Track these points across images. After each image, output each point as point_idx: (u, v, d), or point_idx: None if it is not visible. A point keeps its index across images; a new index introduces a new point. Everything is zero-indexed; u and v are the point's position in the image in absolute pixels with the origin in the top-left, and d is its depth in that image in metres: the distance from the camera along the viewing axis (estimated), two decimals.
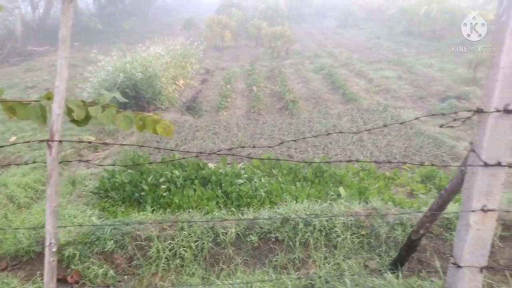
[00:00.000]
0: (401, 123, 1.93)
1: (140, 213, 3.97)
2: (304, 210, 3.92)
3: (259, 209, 4.13)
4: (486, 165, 1.97)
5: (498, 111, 1.88)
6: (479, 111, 1.94)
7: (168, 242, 3.44)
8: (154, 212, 4.05)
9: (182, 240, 3.44)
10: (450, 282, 2.29)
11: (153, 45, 11.53)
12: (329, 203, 4.08)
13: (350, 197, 4.38)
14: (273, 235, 3.66)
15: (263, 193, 4.41)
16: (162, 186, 4.54)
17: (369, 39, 19.81)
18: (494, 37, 1.88)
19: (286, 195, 4.38)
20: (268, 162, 5.36)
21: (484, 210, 2.05)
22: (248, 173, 4.99)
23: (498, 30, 1.85)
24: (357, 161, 1.98)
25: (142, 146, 2.08)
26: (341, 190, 4.62)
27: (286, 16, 23.15)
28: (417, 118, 1.92)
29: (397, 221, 3.89)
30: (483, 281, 2.78)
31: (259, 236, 3.65)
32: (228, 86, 10.59)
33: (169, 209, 4.10)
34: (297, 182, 4.82)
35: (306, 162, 2.27)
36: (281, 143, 2.27)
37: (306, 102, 9.20)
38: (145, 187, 4.49)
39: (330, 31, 23.84)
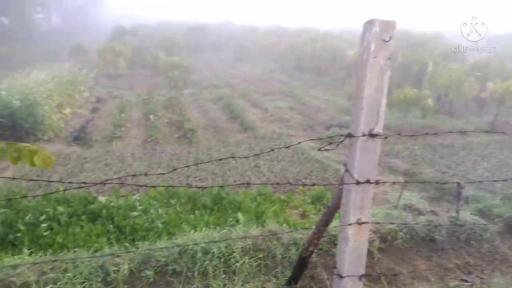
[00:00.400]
0: (286, 147, 2.08)
1: (15, 256, 3.48)
2: (203, 238, 3.88)
3: (156, 241, 3.95)
4: (358, 182, 2.22)
5: (364, 135, 2.17)
6: (349, 135, 2.21)
7: (49, 287, 3.06)
8: (33, 254, 3.59)
9: (66, 283, 3.09)
10: None
11: (35, 71, 10.54)
12: (228, 229, 4.11)
13: (248, 222, 4.48)
14: (170, 268, 3.52)
15: (160, 225, 4.25)
16: (43, 225, 4.07)
17: (263, 72, 21.09)
18: (358, 72, 2.18)
19: (184, 224, 4.29)
20: (165, 192, 5.22)
21: (359, 223, 2.29)
22: (144, 205, 4.77)
23: (361, 66, 2.16)
24: (249, 183, 2.07)
25: (15, 178, 1.87)
26: (240, 215, 4.70)
27: (184, 47, 23.40)
28: (299, 143, 2.10)
29: (291, 242, 4.08)
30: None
31: (155, 270, 3.48)
32: (123, 115, 10.14)
33: (50, 250, 3.67)
34: (196, 211, 4.77)
35: (200, 188, 2.28)
36: (174, 169, 2.26)
37: (205, 131, 9.29)
38: (22, 227, 3.97)
39: (227, 64, 24.76)
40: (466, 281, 3.90)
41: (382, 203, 5.99)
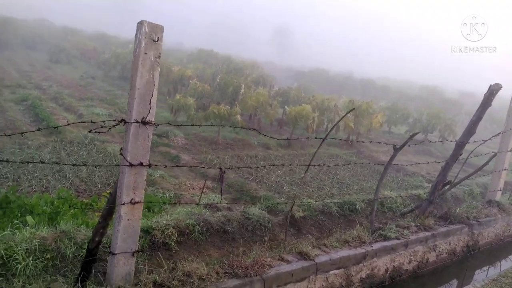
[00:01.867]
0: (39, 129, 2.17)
1: None
2: None
3: None
4: (131, 165, 2.48)
5: (137, 122, 2.45)
6: (123, 121, 2.46)
7: None
8: None
9: None
10: (109, 271, 2.63)
11: None
12: (11, 231, 3.79)
13: (38, 225, 4.21)
14: None
15: None
16: None
17: (84, 78, 19.65)
18: (132, 65, 2.47)
19: None
20: None
21: (132, 202, 2.54)
22: None
23: (134, 60, 2.46)
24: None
25: None
26: (29, 218, 4.36)
27: None
28: (69, 124, 2.21)
29: (86, 241, 4.03)
30: (142, 266, 3.27)
31: None
32: None
33: None
34: None
35: None
36: None
37: None
38: None
39: (39, 64, 22.01)
40: None
41: (189, 204, 6.46)
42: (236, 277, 2.82)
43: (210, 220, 5.22)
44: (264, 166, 5.00)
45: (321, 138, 4.10)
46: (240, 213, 5.78)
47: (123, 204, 2.51)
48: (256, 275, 2.86)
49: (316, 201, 6.83)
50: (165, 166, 3.20)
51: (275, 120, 14.51)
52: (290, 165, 5.29)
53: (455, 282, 4.86)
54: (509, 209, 6.15)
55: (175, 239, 4.67)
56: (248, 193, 7.50)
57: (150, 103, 2.45)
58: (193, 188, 7.28)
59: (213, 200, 6.72)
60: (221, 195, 2.99)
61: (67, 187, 5.98)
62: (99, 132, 2.20)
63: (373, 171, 10.31)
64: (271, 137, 4.47)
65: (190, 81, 15.83)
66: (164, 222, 4.78)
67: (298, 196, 4.39)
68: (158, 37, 2.40)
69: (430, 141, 4.59)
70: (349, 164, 5.34)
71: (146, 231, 4.54)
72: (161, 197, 5.99)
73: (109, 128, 2.34)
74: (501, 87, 4.33)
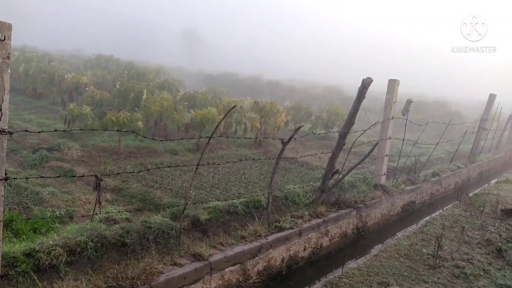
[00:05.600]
0: None
1: None
2: None
3: None
4: None
5: None
6: None
7: None
8: None
9: None
10: None
11: None
12: None
13: None
14: None
15: None
16: None
17: None
18: None
19: None
20: None
21: None
22: None
23: None
24: None
25: None
26: None
27: None
28: None
29: None
30: None
31: None
32: None
33: None
34: None
35: None
36: None
37: None
38: None
39: None
40: None
41: (83, 220, 5.99)
42: None
43: (106, 234, 4.92)
44: (148, 169, 4.84)
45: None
46: (140, 223, 5.55)
47: None
48: (144, 284, 2.75)
49: (221, 202, 6.87)
50: (27, 178, 2.90)
51: (182, 125, 14.27)
52: (177, 165, 5.21)
53: (347, 262, 5.30)
54: (392, 191, 6.87)
55: (63, 259, 4.33)
56: (152, 201, 7.25)
57: (1, 109, 2.20)
58: (89, 203, 6.79)
59: (111, 213, 6.34)
60: (100, 204, 2.80)
61: None
62: None
63: (279, 168, 10.72)
64: (152, 138, 4.35)
65: (87, 88, 14.78)
66: (51, 242, 4.39)
67: (189, 197, 4.36)
68: (5, 36, 2.17)
69: (315, 133, 4.92)
70: (240, 160, 5.47)
71: (29, 255, 4.12)
72: (49, 216, 5.47)
73: None
74: (372, 80, 4.83)
